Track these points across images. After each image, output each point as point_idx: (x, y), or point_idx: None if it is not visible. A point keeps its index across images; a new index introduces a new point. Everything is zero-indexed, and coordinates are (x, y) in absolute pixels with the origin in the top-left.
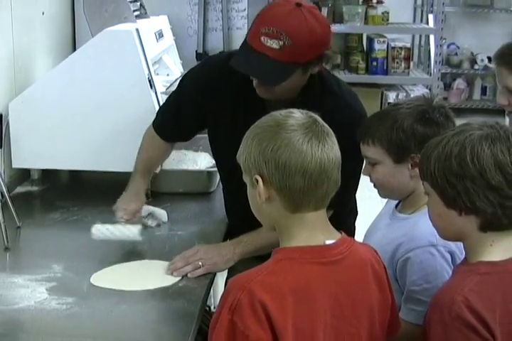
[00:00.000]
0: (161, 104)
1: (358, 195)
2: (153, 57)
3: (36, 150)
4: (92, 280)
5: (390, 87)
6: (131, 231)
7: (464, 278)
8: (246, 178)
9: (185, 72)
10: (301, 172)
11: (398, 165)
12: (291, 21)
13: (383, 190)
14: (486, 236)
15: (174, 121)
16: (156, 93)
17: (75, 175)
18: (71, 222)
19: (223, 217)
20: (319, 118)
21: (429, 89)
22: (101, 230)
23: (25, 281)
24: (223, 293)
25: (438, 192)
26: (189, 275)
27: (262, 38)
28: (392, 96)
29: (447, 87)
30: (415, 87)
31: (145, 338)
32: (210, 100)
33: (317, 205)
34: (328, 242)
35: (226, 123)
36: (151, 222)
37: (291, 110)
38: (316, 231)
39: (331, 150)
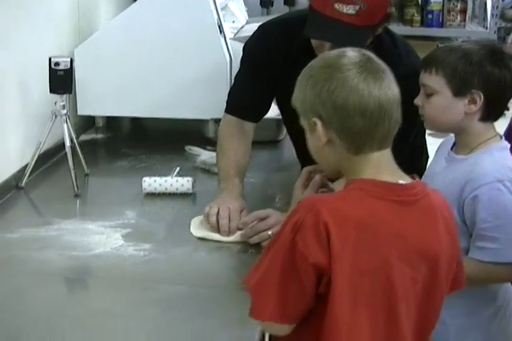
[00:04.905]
0: (230, 88)
1: None
2: (220, 3)
3: (102, 98)
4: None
5: (445, 40)
6: (182, 184)
7: None
8: (304, 123)
9: (245, 44)
10: (360, 112)
11: (456, 98)
12: None
13: (432, 122)
14: None
15: (254, 94)
16: (225, 39)
17: (137, 123)
18: (140, 170)
19: (293, 163)
20: (373, 56)
21: None
22: (150, 183)
23: (99, 228)
24: (289, 214)
25: None
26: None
27: (336, 5)
28: None
29: (501, 41)
30: None
31: (220, 284)
32: (276, 63)
33: (380, 145)
34: (401, 182)
35: (288, 87)
36: None
37: (344, 49)
38: (383, 170)
39: (388, 87)
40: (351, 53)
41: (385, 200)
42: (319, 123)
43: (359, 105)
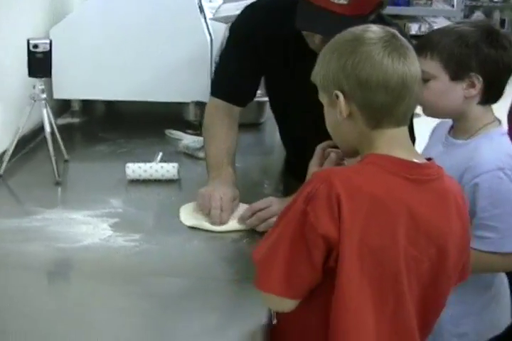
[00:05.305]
0: (214, 70)
1: None
2: None
3: (78, 81)
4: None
5: (412, 18)
6: (167, 170)
7: None
8: (323, 98)
9: (232, 25)
10: (383, 87)
11: (453, 82)
12: None
13: (430, 107)
14: None
15: (241, 77)
16: (205, 19)
17: (112, 106)
18: (121, 155)
19: (277, 146)
20: (397, 33)
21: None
22: (134, 169)
23: (85, 217)
24: (303, 184)
25: None
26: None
27: None
28: (414, 28)
29: (465, 19)
30: (437, 18)
31: (216, 275)
32: (264, 45)
33: (399, 121)
34: (416, 161)
35: (279, 71)
36: (203, 154)
37: (369, 25)
38: (398, 147)
39: (412, 64)
40: (376, 28)
41: (399, 177)
42: (341, 96)
43: (382, 80)
